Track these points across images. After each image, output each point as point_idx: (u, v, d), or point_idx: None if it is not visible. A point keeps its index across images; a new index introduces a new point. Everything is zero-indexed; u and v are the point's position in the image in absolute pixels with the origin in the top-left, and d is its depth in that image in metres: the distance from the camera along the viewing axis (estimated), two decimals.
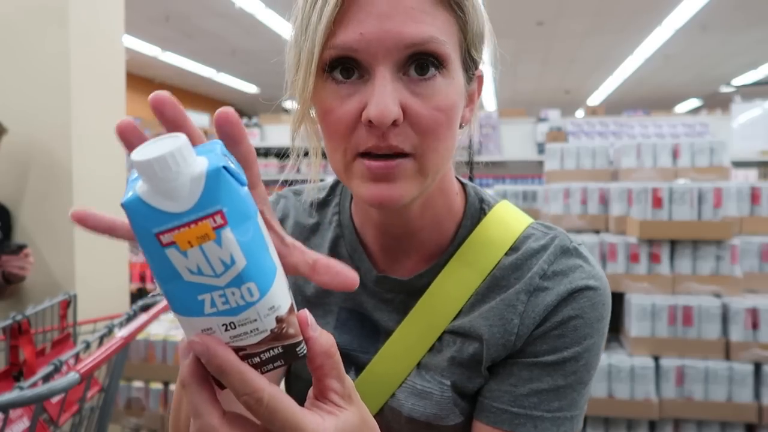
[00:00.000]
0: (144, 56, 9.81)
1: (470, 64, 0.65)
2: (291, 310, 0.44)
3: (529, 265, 0.69)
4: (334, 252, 0.77)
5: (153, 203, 0.38)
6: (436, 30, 0.58)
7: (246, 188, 0.41)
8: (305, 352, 0.46)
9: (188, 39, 9.06)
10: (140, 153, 0.38)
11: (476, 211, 0.74)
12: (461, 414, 0.69)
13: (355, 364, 0.74)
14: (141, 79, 11.61)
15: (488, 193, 0.79)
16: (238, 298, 0.41)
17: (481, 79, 0.69)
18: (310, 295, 0.78)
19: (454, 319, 0.71)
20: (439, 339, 0.71)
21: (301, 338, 0.45)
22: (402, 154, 0.60)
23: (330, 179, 0.84)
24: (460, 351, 0.70)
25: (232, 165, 0.41)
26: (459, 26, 0.61)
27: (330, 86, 0.60)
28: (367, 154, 0.60)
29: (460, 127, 0.69)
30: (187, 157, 0.38)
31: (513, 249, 0.71)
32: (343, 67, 0.59)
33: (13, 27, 2.35)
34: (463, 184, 0.77)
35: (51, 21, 2.32)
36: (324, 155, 0.71)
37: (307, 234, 0.80)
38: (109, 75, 2.55)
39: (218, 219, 0.39)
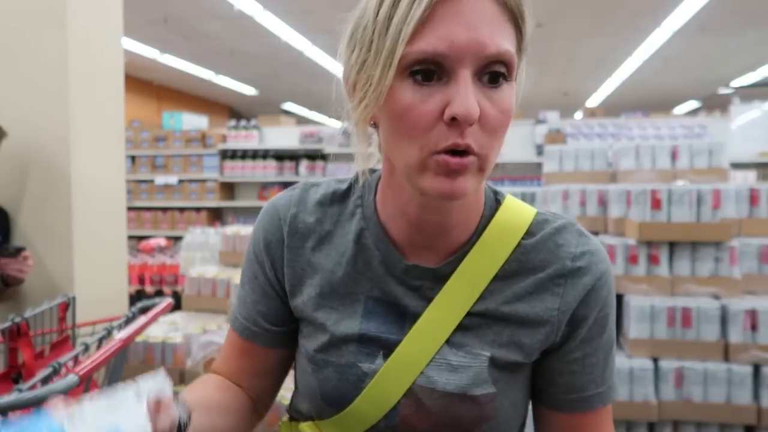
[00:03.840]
0: (143, 58, 9.81)
1: (518, 71, 0.71)
2: None
3: (551, 247, 0.77)
4: (358, 243, 0.80)
5: None
6: (508, 42, 0.65)
7: None
8: None
9: (187, 41, 9.06)
10: None
11: (493, 202, 0.81)
12: (493, 384, 0.75)
13: (384, 348, 0.77)
14: (140, 81, 11.60)
15: None
16: None
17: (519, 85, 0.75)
18: (338, 285, 0.80)
19: (484, 299, 0.76)
20: (476, 319, 0.76)
21: None
22: (470, 153, 0.65)
23: (331, 177, 0.88)
24: (499, 333, 0.76)
25: None
26: (518, 39, 0.68)
27: (410, 86, 0.65)
28: (444, 151, 0.65)
29: None
30: None
31: (529, 233, 0.78)
32: (425, 70, 0.64)
33: (11, 29, 2.35)
34: None
35: (50, 23, 2.32)
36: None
37: (323, 236, 0.82)
38: (107, 77, 2.55)
39: None
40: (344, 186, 0.84)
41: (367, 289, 0.79)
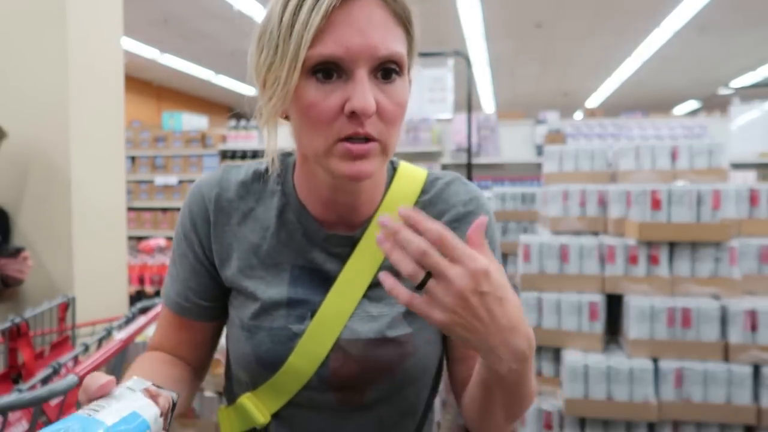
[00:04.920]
0: (142, 59, 9.82)
1: (409, 69, 0.81)
2: None
3: (444, 198, 0.90)
4: (281, 218, 0.89)
5: None
6: (398, 44, 0.76)
7: None
8: None
9: (187, 41, 9.07)
10: None
11: (390, 170, 0.92)
12: (409, 326, 0.86)
13: (311, 310, 0.86)
14: (140, 81, 11.61)
15: None
16: None
17: (410, 82, 0.84)
18: (264, 256, 0.88)
19: None
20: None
21: None
22: (371, 139, 0.75)
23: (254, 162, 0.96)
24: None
25: None
26: (407, 41, 0.79)
27: (313, 84, 0.74)
28: (346, 139, 0.74)
29: None
30: None
31: (424, 192, 0.91)
32: (325, 69, 0.73)
33: (11, 29, 2.35)
34: None
35: (49, 23, 2.32)
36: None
37: (246, 212, 0.90)
38: (107, 77, 2.55)
39: None
40: (263, 167, 0.92)
41: (292, 259, 0.88)
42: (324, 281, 0.87)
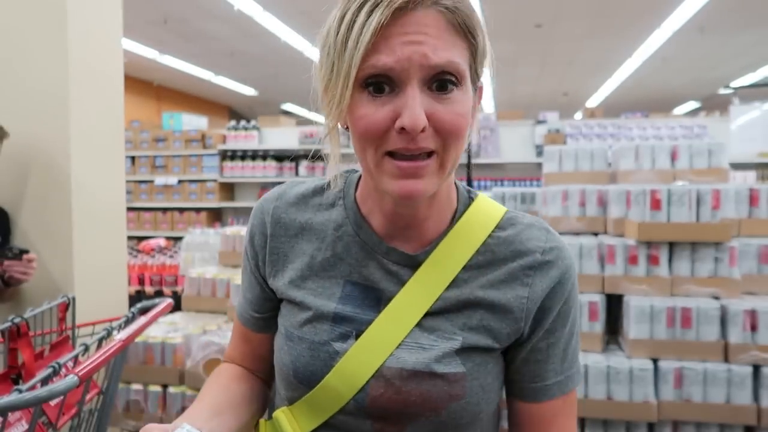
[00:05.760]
0: (142, 59, 9.82)
1: (476, 77, 0.78)
2: None
3: (522, 240, 0.83)
4: (339, 230, 0.87)
5: None
6: (454, 54, 0.72)
7: None
8: None
9: (186, 41, 9.06)
10: None
11: (466, 199, 0.88)
12: (462, 364, 0.80)
13: (357, 329, 0.82)
14: (139, 81, 11.61)
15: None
16: None
17: (481, 89, 0.81)
18: (318, 268, 0.87)
19: (457, 286, 0.82)
20: (448, 304, 0.82)
21: None
22: (427, 153, 0.72)
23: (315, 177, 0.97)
24: (470, 317, 0.81)
25: None
26: (470, 50, 0.75)
27: (365, 98, 0.72)
28: (393, 154, 0.73)
29: None
30: None
31: (499, 228, 0.85)
32: (377, 83, 0.72)
33: (11, 29, 2.36)
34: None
35: (50, 24, 2.32)
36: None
37: (303, 224, 0.89)
38: (107, 78, 2.55)
39: None
40: (324, 182, 0.91)
41: (346, 274, 0.85)
42: (377, 301, 0.83)
